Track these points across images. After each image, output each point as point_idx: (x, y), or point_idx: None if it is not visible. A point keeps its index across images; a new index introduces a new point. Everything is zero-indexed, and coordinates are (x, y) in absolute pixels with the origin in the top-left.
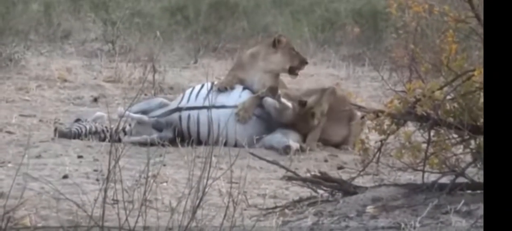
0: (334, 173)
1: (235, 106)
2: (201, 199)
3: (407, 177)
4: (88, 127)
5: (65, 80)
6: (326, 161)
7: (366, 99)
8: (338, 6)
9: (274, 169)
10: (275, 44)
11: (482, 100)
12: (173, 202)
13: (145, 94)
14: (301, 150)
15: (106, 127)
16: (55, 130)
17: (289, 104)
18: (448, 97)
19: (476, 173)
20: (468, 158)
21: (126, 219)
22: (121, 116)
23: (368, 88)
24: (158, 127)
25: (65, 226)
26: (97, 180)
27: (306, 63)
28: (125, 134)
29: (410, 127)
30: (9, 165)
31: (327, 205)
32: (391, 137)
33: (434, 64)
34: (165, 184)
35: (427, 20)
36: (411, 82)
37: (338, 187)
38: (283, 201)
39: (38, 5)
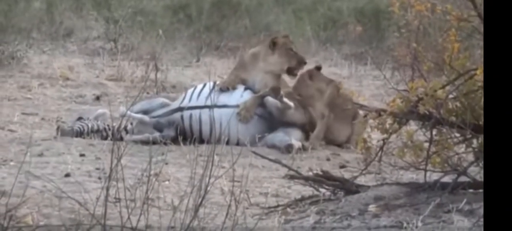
0: (336, 172)
1: (237, 106)
2: (203, 198)
3: (409, 176)
4: (90, 125)
5: (67, 79)
6: (328, 159)
7: (369, 98)
8: (341, 4)
9: (276, 168)
10: (272, 45)
11: None
12: (175, 200)
13: (147, 93)
14: (303, 148)
15: (108, 125)
16: (57, 128)
17: (291, 103)
18: (450, 96)
19: (478, 172)
20: (470, 157)
21: (128, 218)
22: (122, 116)
23: (370, 87)
24: (158, 128)
25: (67, 225)
26: (99, 178)
27: (305, 63)
28: (127, 132)
29: (412, 125)
30: (11, 163)
31: (329, 203)
32: (393, 135)
33: (437, 63)
34: (167, 182)
35: (429, 19)
36: (414, 81)
37: (340, 186)
38: (285, 199)
39: (40, 3)
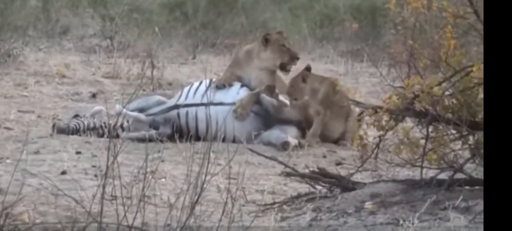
0: (332, 169)
1: (233, 104)
2: (199, 195)
3: (405, 173)
4: (86, 123)
5: (64, 76)
6: (324, 156)
7: (365, 95)
8: (337, 2)
9: (273, 165)
10: (264, 41)
11: (480, 96)
12: (172, 198)
13: (144, 90)
14: (300, 146)
15: (104, 123)
16: (53, 125)
17: (287, 101)
18: (447, 93)
19: (474, 169)
20: (467, 153)
21: (125, 215)
22: (118, 114)
23: (366, 84)
24: (154, 126)
25: (63, 222)
26: (96, 176)
27: (297, 58)
28: (123, 130)
29: (409, 122)
30: (8, 161)
31: (325, 201)
32: (390, 132)
33: (433, 60)
34: (163, 180)
35: (425, 16)
36: (410, 78)
37: (336, 183)
38: (282, 197)
39: (36, 1)
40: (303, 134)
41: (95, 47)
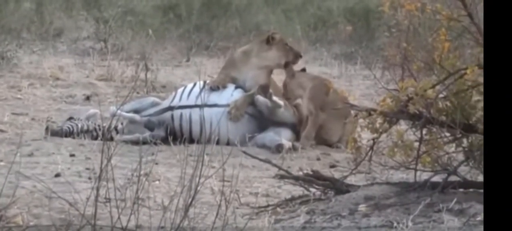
0: (326, 172)
1: (227, 105)
2: (193, 198)
3: (399, 175)
4: (80, 125)
5: (58, 79)
6: (318, 159)
7: (359, 98)
8: (331, 4)
9: (267, 168)
10: (269, 40)
11: (474, 98)
12: (166, 200)
13: (138, 93)
14: (294, 148)
15: (98, 125)
16: (47, 128)
17: (281, 102)
18: (441, 95)
19: (468, 172)
20: (460, 156)
21: (119, 218)
22: (113, 115)
23: (360, 86)
24: (150, 126)
25: (57, 225)
26: (90, 178)
27: (301, 56)
28: (117, 132)
29: (403, 125)
30: (1, 163)
31: (319, 203)
32: (384, 135)
33: (427, 63)
34: (157, 182)
35: (419, 18)
36: (404, 80)
37: (330, 186)
38: (276, 199)
39: (30, 3)
40: (297, 137)
41: (89, 50)
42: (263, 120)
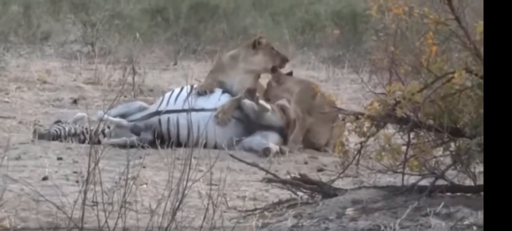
0: (314, 175)
1: (214, 109)
2: (180, 201)
3: (387, 179)
4: (67, 129)
5: (45, 82)
6: (306, 163)
7: (346, 102)
8: (318, 8)
9: (254, 171)
10: (255, 45)
11: (462, 102)
12: (153, 204)
13: (125, 96)
14: (281, 152)
15: (86, 129)
16: (34, 131)
17: (268, 106)
18: (428, 99)
19: (455, 175)
20: (448, 160)
21: (106, 221)
22: (100, 119)
23: (347, 90)
24: (136, 131)
25: (45, 228)
26: (77, 181)
27: (287, 60)
28: (105, 135)
29: (390, 129)
30: None
31: (306, 207)
32: (371, 139)
33: (414, 67)
34: (144, 186)
35: (407, 22)
36: (391, 84)
37: (318, 189)
38: (263, 203)
39: (17, 7)
40: (284, 140)
41: (76, 53)
42: (250, 124)
